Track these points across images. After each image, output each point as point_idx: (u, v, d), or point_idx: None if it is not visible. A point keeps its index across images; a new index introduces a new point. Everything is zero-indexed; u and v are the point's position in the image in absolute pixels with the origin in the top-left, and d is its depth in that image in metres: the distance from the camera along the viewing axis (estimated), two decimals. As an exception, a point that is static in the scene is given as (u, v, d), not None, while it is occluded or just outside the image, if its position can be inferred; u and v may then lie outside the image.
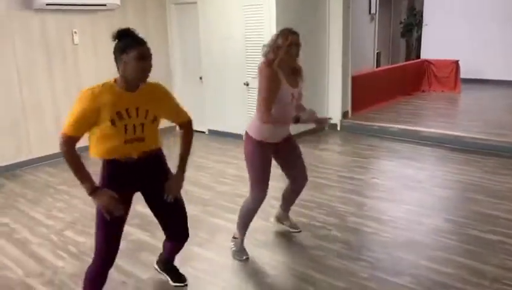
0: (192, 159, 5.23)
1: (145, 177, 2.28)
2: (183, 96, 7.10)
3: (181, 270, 2.84)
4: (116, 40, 2.07)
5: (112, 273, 2.98)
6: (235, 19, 6.03)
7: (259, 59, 5.83)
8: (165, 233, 2.52)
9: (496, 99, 8.66)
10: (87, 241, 3.46)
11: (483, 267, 2.90)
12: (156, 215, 2.45)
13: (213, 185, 4.55)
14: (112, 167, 2.19)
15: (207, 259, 3.12)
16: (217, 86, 6.49)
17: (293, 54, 2.77)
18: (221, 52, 6.27)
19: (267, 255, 3.20)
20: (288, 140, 3.09)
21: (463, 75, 9.33)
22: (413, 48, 12.30)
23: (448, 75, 9.29)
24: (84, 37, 5.83)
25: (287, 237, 3.45)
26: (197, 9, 6.43)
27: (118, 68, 2.10)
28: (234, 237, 3.16)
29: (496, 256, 3.03)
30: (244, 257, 3.08)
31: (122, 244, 3.35)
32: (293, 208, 3.99)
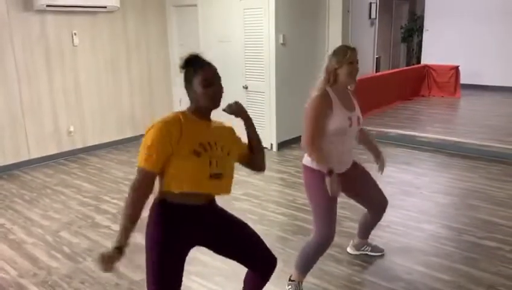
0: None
1: (210, 227, 2.01)
2: (182, 99, 7.12)
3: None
4: (183, 70, 1.93)
5: (105, 274, 2.99)
6: (234, 22, 6.03)
7: (258, 63, 5.88)
8: (252, 267, 2.17)
9: (497, 105, 8.66)
10: (81, 243, 3.45)
11: (480, 274, 2.89)
12: (232, 256, 2.13)
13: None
14: (177, 210, 1.90)
15: (202, 262, 3.10)
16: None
17: (354, 73, 2.46)
18: (221, 55, 6.27)
19: (262, 259, 3.18)
20: (355, 168, 2.70)
21: (463, 80, 9.34)
22: (414, 53, 12.32)
23: (449, 80, 9.29)
24: (84, 39, 5.84)
25: (282, 241, 3.44)
26: (197, 11, 6.44)
27: (190, 100, 1.95)
28: (291, 280, 2.73)
29: (492, 263, 3.01)
30: None
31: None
32: (288, 211, 4.00)
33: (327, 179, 2.32)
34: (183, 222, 1.90)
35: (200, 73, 1.88)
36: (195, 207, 1.91)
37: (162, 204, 1.90)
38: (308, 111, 2.43)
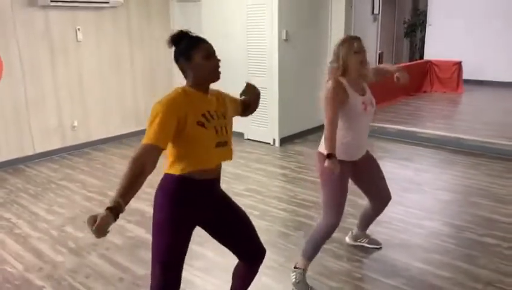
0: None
1: (214, 203, 2.05)
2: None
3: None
4: (174, 47, 1.94)
5: (109, 268, 3.05)
6: (238, 18, 6.05)
7: (261, 58, 5.90)
8: (240, 256, 2.20)
9: (499, 101, 8.66)
10: (86, 237, 3.50)
11: (479, 271, 2.92)
12: (225, 241, 2.16)
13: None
14: (188, 185, 1.91)
15: (205, 257, 3.15)
16: (219, 84, 6.50)
17: (363, 62, 2.54)
18: (224, 50, 6.22)
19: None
20: (368, 157, 2.81)
21: (466, 75, 9.34)
22: (417, 48, 12.29)
23: (451, 76, 9.29)
24: (88, 34, 5.87)
25: (283, 237, 3.48)
26: (201, 7, 6.45)
27: (185, 75, 1.97)
28: (296, 267, 2.79)
29: (491, 260, 3.05)
30: None
31: (120, 240, 3.43)
32: (289, 206, 4.04)
33: (328, 161, 2.40)
34: (193, 198, 1.93)
35: (200, 46, 1.91)
36: (205, 182, 1.95)
37: (172, 180, 1.91)
38: (326, 100, 2.48)
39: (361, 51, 2.53)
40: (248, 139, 6.26)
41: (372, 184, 2.90)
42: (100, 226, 1.47)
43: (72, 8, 5.62)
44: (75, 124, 5.91)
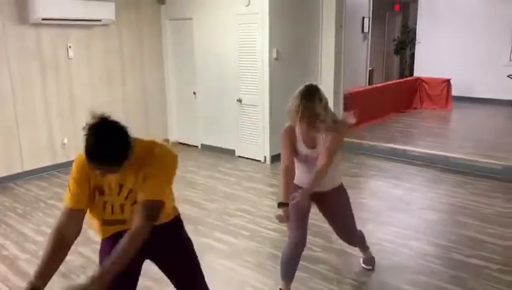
0: (183, 175, 5.31)
1: (152, 247, 1.91)
2: (177, 110, 7.18)
3: (167, 292, 2.85)
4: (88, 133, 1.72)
5: None
6: (229, 36, 6.11)
7: (252, 76, 5.95)
8: None
9: (487, 118, 8.77)
10: (75, 260, 3.47)
11: (465, 293, 2.95)
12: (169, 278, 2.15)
13: (203, 203, 4.59)
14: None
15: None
16: (210, 102, 6.56)
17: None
18: (215, 68, 6.34)
19: (253, 277, 3.22)
20: (336, 196, 2.83)
21: (455, 92, 9.47)
22: (407, 64, 12.47)
23: (440, 93, 9.41)
24: (79, 52, 5.89)
25: (273, 259, 3.47)
26: (192, 25, 6.51)
27: None
28: (280, 289, 2.86)
29: (479, 282, 3.07)
30: None
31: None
32: (279, 227, 4.03)
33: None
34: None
35: (92, 167, 1.68)
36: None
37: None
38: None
39: (305, 116, 2.51)
40: (239, 156, 6.29)
41: (331, 221, 2.94)
42: None
43: (63, 26, 5.65)
44: (65, 141, 5.89)
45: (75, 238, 1.69)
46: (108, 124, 1.65)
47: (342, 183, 2.86)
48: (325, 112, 2.49)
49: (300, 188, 2.65)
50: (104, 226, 1.86)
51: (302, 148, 2.68)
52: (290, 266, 2.80)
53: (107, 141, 1.60)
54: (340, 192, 2.85)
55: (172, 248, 2.06)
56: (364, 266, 3.28)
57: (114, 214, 1.84)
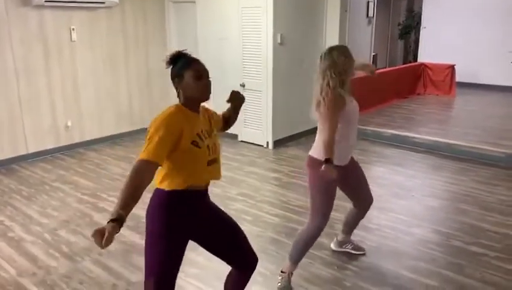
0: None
1: (205, 215, 2.11)
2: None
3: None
4: (171, 66, 2.04)
5: (103, 274, 3.08)
6: (232, 19, 6.06)
7: (255, 61, 5.92)
8: (233, 265, 2.28)
9: (491, 105, 8.75)
10: (79, 242, 3.53)
11: (465, 280, 2.99)
12: (217, 252, 2.23)
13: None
14: (180, 198, 1.98)
15: (198, 264, 3.19)
16: (213, 86, 6.50)
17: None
18: (218, 52, 6.31)
19: (255, 261, 3.27)
20: (353, 163, 2.93)
21: (459, 78, 9.42)
22: (411, 49, 12.37)
23: (444, 79, 9.37)
24: (82, 34, 5.86)
25: (276, 244, 3.52)
26: (195, 8, 6.46)
27: (178, 95, 2.02)
28: (282, 272, 2.89)
29: (477, 269, 3.12)
30: None
31: (114, 245, 3.45)
32: (282, 212, 4.09)
33: (325, 166, 2.45)
34: (185, 211, 1.99)
35: (192, 67, 1.98)
36: (196, 194, 2.03)
37: (163, 195, 1.96)
38: (328, 110, 2.56)
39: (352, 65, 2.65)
40: (242, 141, 6.31)
41: (359, 188, 3.02)
42: (108, 239, 1.53)
43: (66, 8, 5.61)
44: (69, 124, 5.92)
45: (147, 186, 1.76)
46: (181, 51, 2.08)
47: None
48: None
49: (338, 167, 2.58)
50: (209, 166, 2.01)
51: (351, 105, 2.66)
52: (306, 249, 2.86)
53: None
54: (355, 162, 2.95)
55: (213, 215, 2.17)
56: (356, 253, 3.32)
57: (215, 153, 2.05)
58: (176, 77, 2.00)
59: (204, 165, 2.00)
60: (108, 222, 1.56)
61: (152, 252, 1.98)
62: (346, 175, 2.78)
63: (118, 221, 1.59)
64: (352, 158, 2.89)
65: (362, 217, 3.19)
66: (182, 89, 1.99)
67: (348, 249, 3.33)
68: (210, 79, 2.05)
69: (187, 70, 1.97)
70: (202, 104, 2.10)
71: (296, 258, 2.87)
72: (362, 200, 3.07)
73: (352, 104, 2.69)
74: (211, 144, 2.03)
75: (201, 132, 2.00)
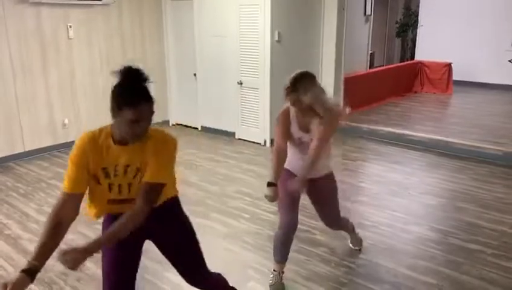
0: (183, 157, 5.34)
1: (151, 227, 1.96)
2: (178, 92, 7.16)
3: (164, 274, 2.91)
4: (117, 83, 1.80)
5: (99, 271, 3.07)
6: (230, 17, 6.05)
7: (253, 59, 5.93)
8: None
9: (488, 103, 8.77)
10: (76, 239, 3.51)
11: (463, 277, 3.00)
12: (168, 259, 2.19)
13: (203, 185, 4.62)
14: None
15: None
16: (211, 84, 6.54)
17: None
18: (216, 50, 6.31)
19: (253, 259, 3.28)
20: (325, 182, 2.86)
21: (455, 76, 9.44)
22: (408, 47, 12.38)
23: (441, 77, 9.39)
24: (79, 32, 5.84)
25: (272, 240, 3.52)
26: (193, 6, 6.45)
27: (112, 116, 1.77)
28: (274, 270, 2.93)
29: (474, 266, 3.13)
30: None
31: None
32: (275, 209, 4.08)
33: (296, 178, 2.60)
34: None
35: (135, 107, 1.69)
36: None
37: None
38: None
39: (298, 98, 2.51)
40: (239, 139, 6.31)
41: (316, 206, 3.00)
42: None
43: (63, 5, 5.59)
44: (66, 121, 5.90)
45: (73, 220, 1.76)
46: (138, 69, 1.81)
47: (332, 172, 2.89)
48: (317, 97, 2.51)
49: (291, 173, 2.73)
50: (109, 205, 1.90)
51: (296, 131, 2.69)
52: (282, 248, 2.85)
53: (144, 80, 1.78)
54: (330, 182, 2.89)
55: (171, 225, 2.09)
56: (351, 246, 3.37)
57: (121, 194, 1.87)
58: (114, 107, 1.74)
59: (104, 202, 1.88)
60: (20, 272, 1.53)
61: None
62: (311, 188, 2.78)
63: (28, 271, 1.56)
64: (327, 178, 2.85)
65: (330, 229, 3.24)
66: (115, 121, 1.76)
67: (348, 242, 3.39)
68: (150, 118, 1.74)
69: (129, 109, 1.68)
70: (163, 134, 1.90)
71: (277, 257, 2.87)
72: (320, 216, 3.05)
73: (296, 133, 2.68)
74: (123, 183, 1.83)
75: (114, 167, 1.80)
